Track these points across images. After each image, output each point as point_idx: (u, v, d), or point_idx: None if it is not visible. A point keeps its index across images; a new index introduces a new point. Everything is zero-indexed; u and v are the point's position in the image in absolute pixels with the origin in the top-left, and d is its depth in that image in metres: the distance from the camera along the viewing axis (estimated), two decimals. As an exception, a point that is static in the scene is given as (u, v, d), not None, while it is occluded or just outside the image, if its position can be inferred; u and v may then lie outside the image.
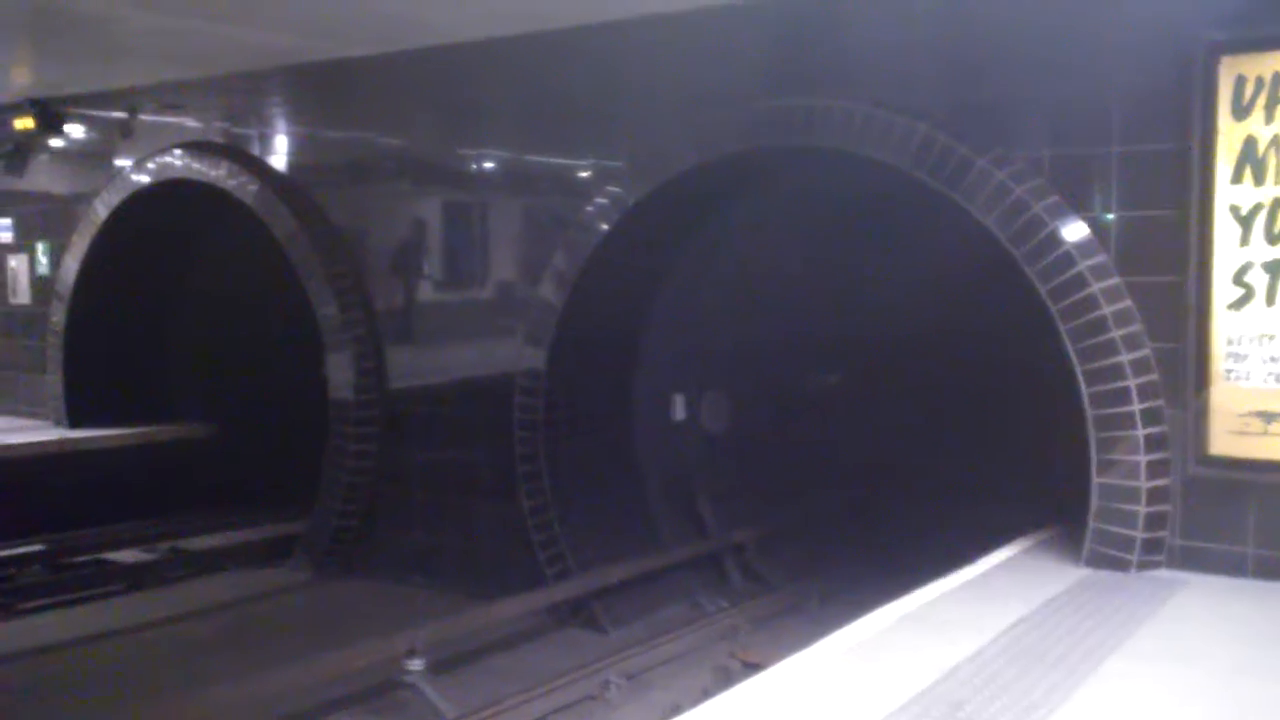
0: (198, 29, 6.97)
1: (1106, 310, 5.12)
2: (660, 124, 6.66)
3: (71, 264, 9.60)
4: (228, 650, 6.53)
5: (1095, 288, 5.14)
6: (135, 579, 8.25)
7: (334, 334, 8.02)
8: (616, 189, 6.82)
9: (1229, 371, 4.92)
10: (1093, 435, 5.13)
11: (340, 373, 8.01)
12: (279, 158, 8.49)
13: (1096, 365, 5.12)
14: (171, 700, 5.15)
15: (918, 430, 8.87)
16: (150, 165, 9.04)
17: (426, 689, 5.49)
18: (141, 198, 9.14)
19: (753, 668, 5.30)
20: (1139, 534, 5.03)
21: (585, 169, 7.05)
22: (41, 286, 10.01)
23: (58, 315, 9.67)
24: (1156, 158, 5.07)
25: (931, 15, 5.71)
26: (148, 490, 9.46)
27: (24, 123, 9.62)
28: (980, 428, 8.72)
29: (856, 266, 8.55)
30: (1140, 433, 5.03)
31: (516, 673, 6.08)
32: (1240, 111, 4.86)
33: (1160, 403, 5.06)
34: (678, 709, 5.53)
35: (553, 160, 7.31)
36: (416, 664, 5.53)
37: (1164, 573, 5.02)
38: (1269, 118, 4.80)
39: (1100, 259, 5.18)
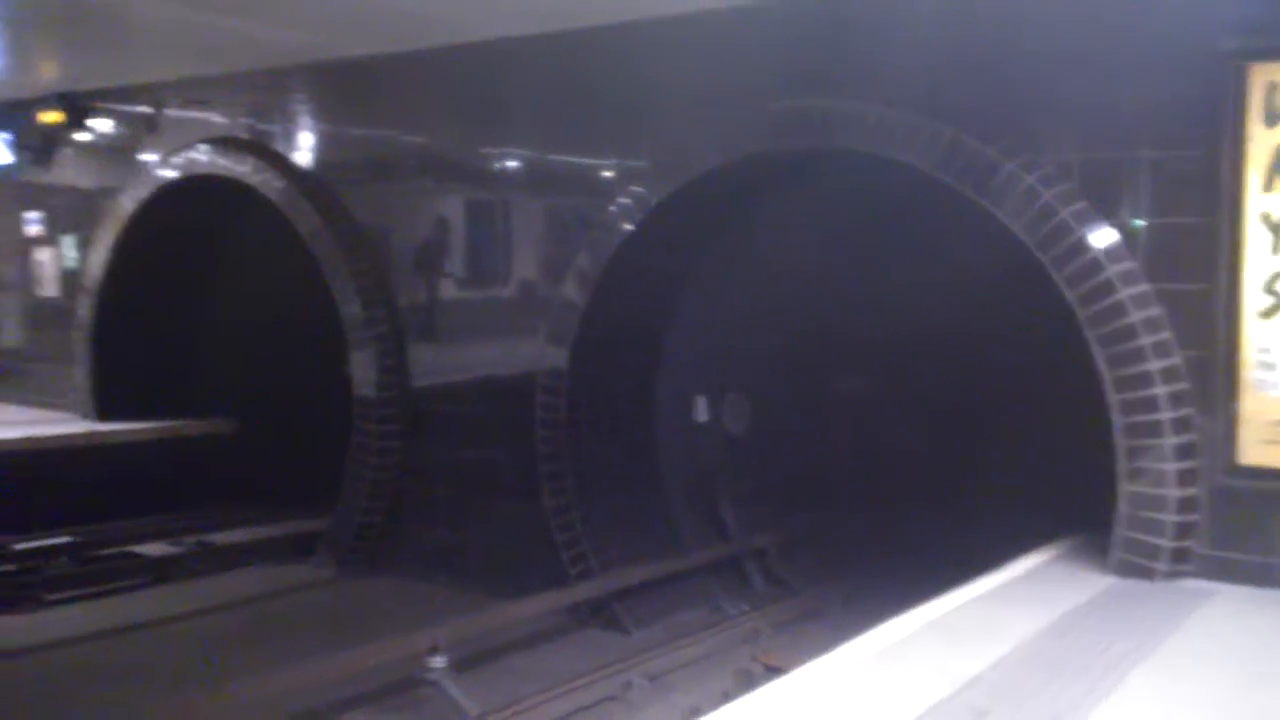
0: (223, 25, 7.01)
1: (1135, 317, 5.08)
2: (683, 124, 6.65)
3: (98, 257, 9.68)
4: (251, 645, 6.60)
5: (1124, 294, 5.10)
6: (161, 572, 8.32)
7: (357, 331, 8.06)
8: (639, 189, 6.81)
9: (1259, 380, 4.88)
10: (1121, 442, 5.09)
11: (363, 370, 8.05)
12: (303, 154, 8.53)
13: (1125, 372, 5.08)
14: (195, 693, 5.20)
15: (943, 434, 8.82)
16: (176, 160, 9.10)
17: (449, 686, 5.52)
18: (167, 192, 9.21)
19: (774, 671, 5.30)
20: (1167, 543, 4.99)
21: (608, 168, 7.05)
22: (69, 279, 10.10)
23: (85, 308, 9.76)
24: (1187, 164, 5.02)
25: (959, 17, 5.67)
26: (173, 484, 9.54)
27: (52, 116, 9.73)
28: (1007, 432, 8.66)
29: (882, 268, 8.50)
30: (1169, 441, 4.99)
31: (538, 672, 6.10)
32: (1271, 119, 4.81)
33: (1189, 411, 5.01)
34: (698, 711, 5.55)
35: (576, 159, 7.31)
36: (439, 661, 5.56)
37: (1192, 583, 4.98)
38: (1301, 125, 4.76)
39: (1129, 265, 5.13)
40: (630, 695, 5.91)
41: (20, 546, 8.34)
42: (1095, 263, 5.17)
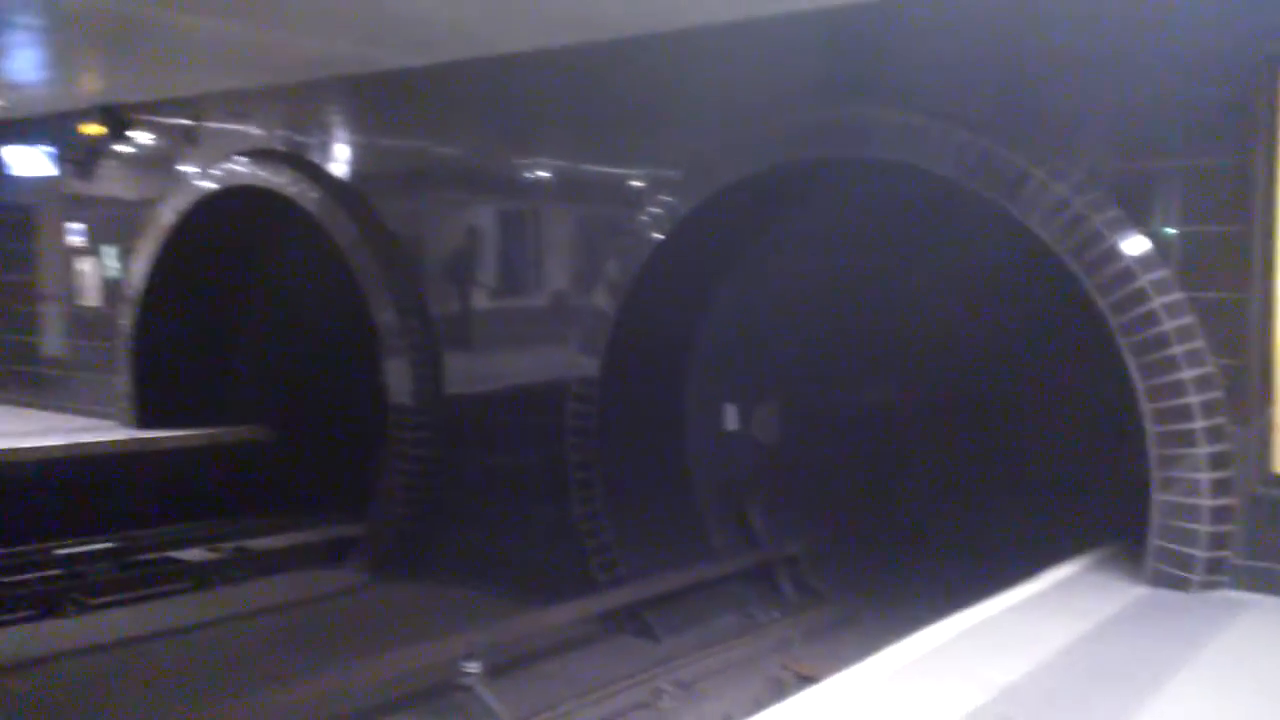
0: (262, 38, 7.14)
1: (1168, 325, 5.05)
2: (714, 133, 6.68)
3: (139, 267, 9.85)
4: (288, 649, 6.69)
5: (1156, 303, 5.08)
6: (201, 577, 8.45)
7: (392, 340, 8.16)
8: (670, 198, 6.86)
9: (1295, 389, 4.84)
10: (1154, 452, 5.07)
11: (399, 378, 8.15)
12: (339, 165, 8.65)
13: (1158, 381, 5.06)
14: (233, 698, 5.28)
15: (972, 441, 8.78)
16: (215, 171, 9.25)
17: (483, 692, 5.58)
18: (207, 203, 9.34)
19: (807, 680, 5.31)
20: (1201, 553, 4.96)
21: (638, 178, 7.09)
22: (110, 289, 10.29)
23: (126, 317, 9.93)
24: (1220, 171, 4.99)
25: (988, 25, 5.67)
26: (212, 490, 9.68)
27: (94, 129, 9.93)
28: (1036, 438, 8.61)
29: (911, 278, 8.49)
30: (1202, 450, 4.96)
31: (570, 678, 6.15)
32: (1307, 124, 4.77)
33: (1223, 420, 4.98)
34: (730, 719, 5.59)
35: (606, 169, 7.37)
36: (474, 666, 5.62)
37: (1228, 593, 4.94)
38: (1336, 132, 4.72)
39: (1162, 273, 5.11)
40: (662, 702, 5.94)
41: (64, 551, 8.50)
42: (1127, 271, 5.16)
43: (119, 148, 10.02)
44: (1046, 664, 4.03)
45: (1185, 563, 4.99)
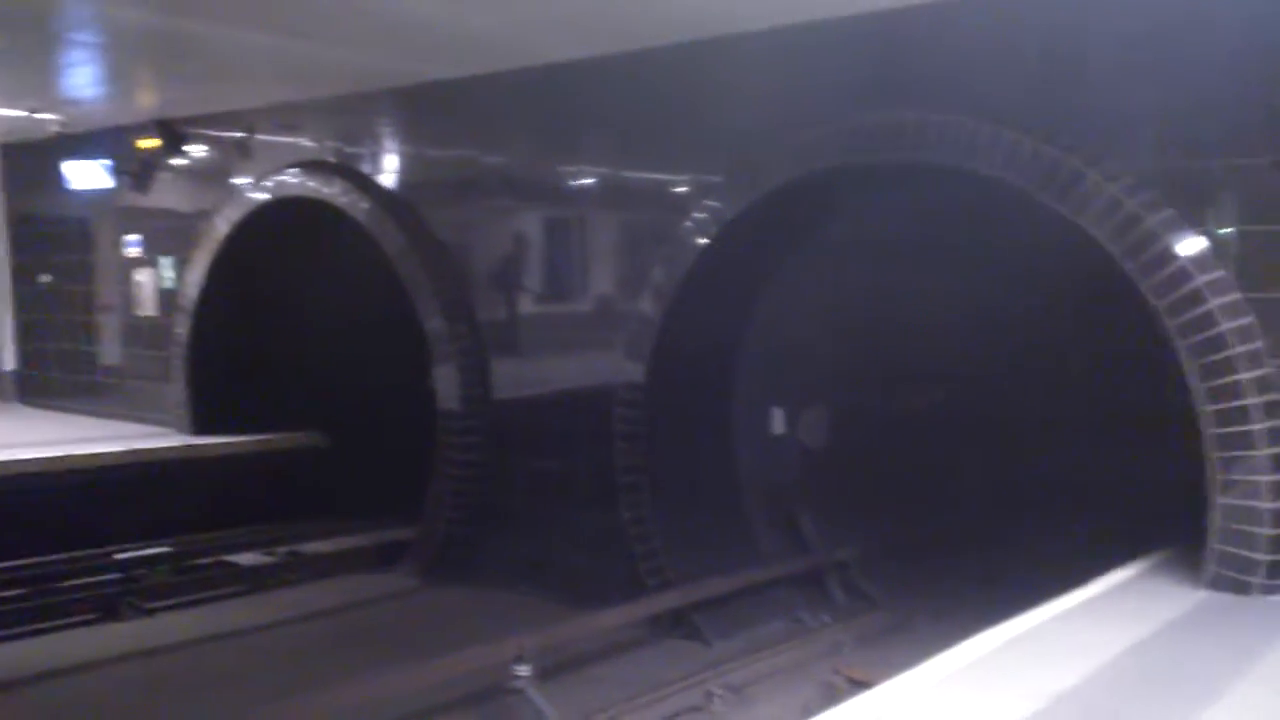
0: (313, 52, 7.27)
1: (1225, 327, 4.97)
2: (758, 139, 6.68)
3: (194, 278, 10.04)
4: (341, 652, 6.78)
5: (1213, 304, 5.00)
6: (255, 581, 8.59)
7: (441, 346, 8.25)
8: (715, 203, 6.87)
9: (1358, 390, 4.73)
10: (1212, 454, 4.98)
11: (447, 384, 8.24)
12: (388, 176, 8.77)
13: (1215, 383, 4.98)
14: (288, 700, 5.36)
15: (1018, 445, 8.68)
16: (268, 183, 9.42)
17: (534, 695, 5.62)
18: (260, 214, 9.51)
19: (859, 685, 5.29)
20: (1263, 557, 4.86)
21: (683, 184, 7.11)
22: (166, 299, 10.50)
23: (182, 327, 10.11)
24: (1276, 169, 4.90)
25: (1037, 27, 5.63)
26: (266, 496, 9.82)
27: (150, 142, 10.16)
28: (1097, 445, 8.48)
29: (953, 279, 8.41)
30: (1262, 453, 4.87)
31: (620, 681, 6.16)
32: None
33: (1284, 422, 4.89)
34: (781, 724, 5.58)
35: (651, 175, 7.40)
36: (524, 670, 5.66)
37: (1290, 597, 4.85)
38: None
39: (1218, 274, 5.03)
40: (712, 706, 5.94)
41: (122, 555, 8.68)
42: (1183, 272, 5.08)
43: (174, 161, 10.22)
44: (1104, 670, 3.98)
45: (1245, 566, 4.90)
